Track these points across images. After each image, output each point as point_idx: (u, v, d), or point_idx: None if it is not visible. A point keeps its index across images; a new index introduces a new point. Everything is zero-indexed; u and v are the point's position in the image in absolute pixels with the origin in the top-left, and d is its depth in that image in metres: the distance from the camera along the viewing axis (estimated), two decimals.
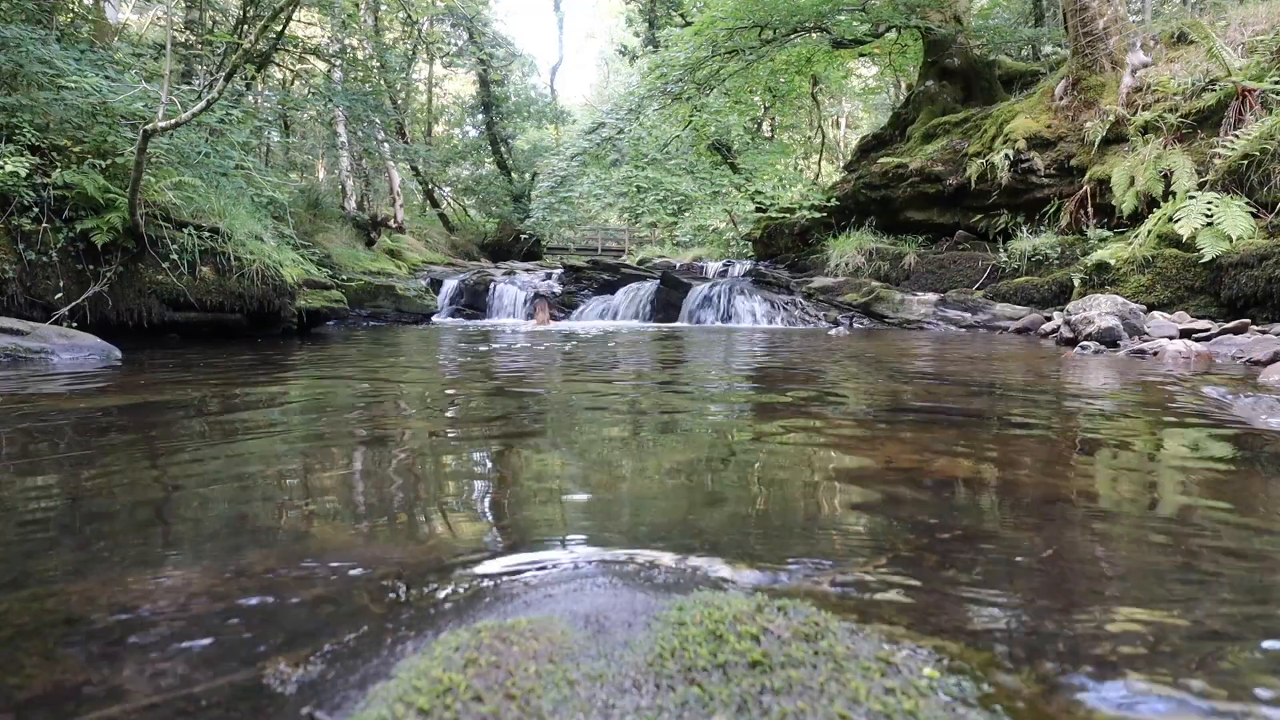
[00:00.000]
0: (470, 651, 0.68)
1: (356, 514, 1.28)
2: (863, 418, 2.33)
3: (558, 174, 13.24)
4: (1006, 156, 9.20)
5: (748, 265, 13.37)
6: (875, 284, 9.75)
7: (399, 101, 18.70)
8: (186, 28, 11.35)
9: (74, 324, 4.61)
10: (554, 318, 10.84)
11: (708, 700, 0.61)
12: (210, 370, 3.59)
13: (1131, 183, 7.88)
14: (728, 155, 15.34)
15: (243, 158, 6.33)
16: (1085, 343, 5.25)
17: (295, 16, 10.67)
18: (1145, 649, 0.76)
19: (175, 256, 5.20)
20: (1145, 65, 8.69)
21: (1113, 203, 8.09)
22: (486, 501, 1.38)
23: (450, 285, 11.90)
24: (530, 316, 10.33)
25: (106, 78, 5.31)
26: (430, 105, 23.59)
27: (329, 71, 12.72)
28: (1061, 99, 9.31)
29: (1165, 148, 7.79)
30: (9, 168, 4.43)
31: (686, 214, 14.78)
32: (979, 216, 10.00)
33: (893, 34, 12.68)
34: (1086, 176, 8.62)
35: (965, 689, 0.65)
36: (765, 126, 21.11)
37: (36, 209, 4.66)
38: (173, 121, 4.68)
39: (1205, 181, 7.18)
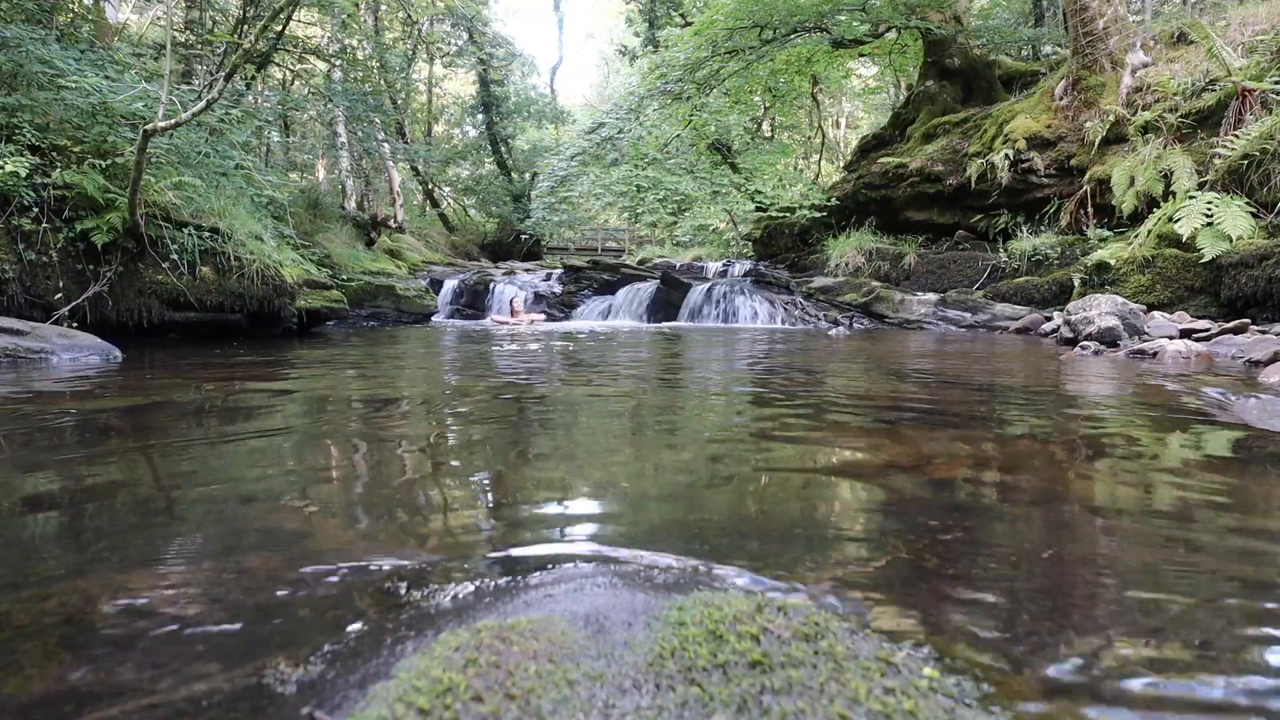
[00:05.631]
0: (470, 651, 0.68)
1: (356, 514, 1.28)
2: (863, 418, 2.33)
3: (558, 174, 13.24)
4: (1006, 156, 9.20)
5: (748, 265, 13.36)
6: (875, 284, 9.75)
7: (399, 101, 18.69)
8: (186, 28, 11.34)
9: (74, 324, 4.61)
10: (548, 316, 10.81)
11: (708, 700, 0.61)
12: (210, 370, 3.59)
13: (1131, 183, 7.88)
14: (728, 155, 15.34)
15: (243, 158, 6.33)
16: (1085, 343, 5.25)
17: (295, 16, 10.67)
18: (1146, 650, 0.76)
19: (175, 256, 5.20)
20: (1145, 65, 8.69)
21: (1113, 203, 8.09)
22: (486, 502, 1.38)
23: (450, 285, 11.90)
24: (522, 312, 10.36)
25: (106, 78, 5.30)
26: (430, 105, 23.58)
27: (329, 71, 12.71)
28: (1061, 99, 9.31)
29: (1165, 148, 7.79)
30: (9, 168, 4.42)
31: (686, 214, 14.78)
32: (979, 216, 10.00)
33: (893, 34, 12.67)
34: (1086, 176, 8.62)
35: (965, 689, 0.65)
36: (765, 126, 21.11)
37: (36, 209, 4.66)
38: (173, 121, 4.68)
39: (1205, 181, 7.18)
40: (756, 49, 11.86)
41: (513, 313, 10.27)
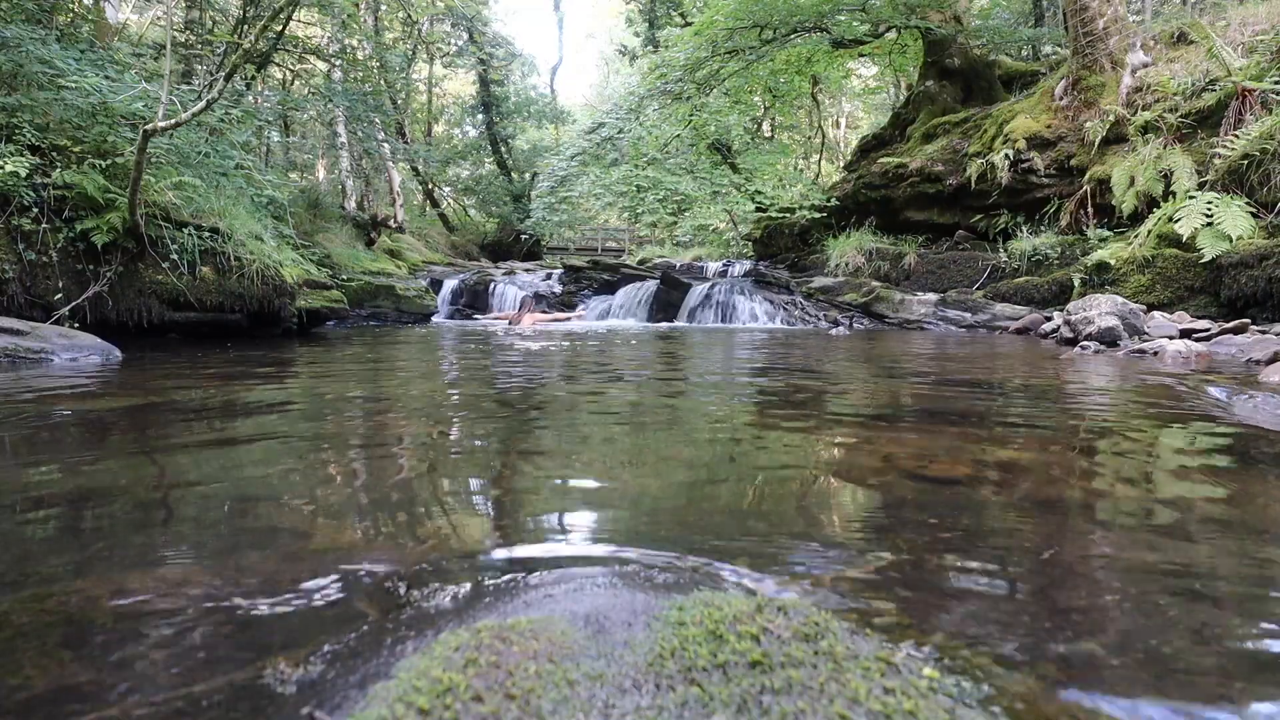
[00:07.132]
0: (470, 651, 0.68)
1: (356, 514, 1.27)
2: (863, 417, 2.33)
3: (558, 174, 13.24)
4: (1006, 156, 9.20)
5: (748, 265, 13.37)
6: (875, 284, 9.76)
7: (399, 101, 18.68)
8: (186, 28, 11.34)
9: (74, 324, 4.61)
10: (559, 312, 10.90)
11: (708, 700, 0.61)
12: (210, 370, 3.59)
13: (1131, 183, 7.88)
14: (728, 155, 15.34)
15: (243, 158, 6.32)
16: (1085, 343, 5.25)
17: (295, 16, 10.67)
18: (1146, 652, 0.76)
19: (175, 256, 5.20)
20: (1145, 65, 8.69)
21: (1113, 203, 8.10)
22: (486, 502, 1.38)
23: (450, 285, 11.91)
24: (520, 309, 10.47)
25: (106, 78, 5.30)
26: (430, 105, 23.58)
27: (329, 71, 12.71)
28: (1061, 99, 9.31)
29: (1165, 148, 7.79)
30: (9, 168, 4.42)
31: (686, 214, 14.76)
32: (979, 216, 10.00)
33: (893, 34, 12.68)
34: (1086, 176, 8.62)
35: (965, 689, 0.65)
36: (765, 126, 21.11)
37: (36, 209, 4.66)
38: (173, 121, 4.68)
39: (1205, 181, 7.18)
40: (756, 49, 11.86)
41: (520, 309, 10.37)
